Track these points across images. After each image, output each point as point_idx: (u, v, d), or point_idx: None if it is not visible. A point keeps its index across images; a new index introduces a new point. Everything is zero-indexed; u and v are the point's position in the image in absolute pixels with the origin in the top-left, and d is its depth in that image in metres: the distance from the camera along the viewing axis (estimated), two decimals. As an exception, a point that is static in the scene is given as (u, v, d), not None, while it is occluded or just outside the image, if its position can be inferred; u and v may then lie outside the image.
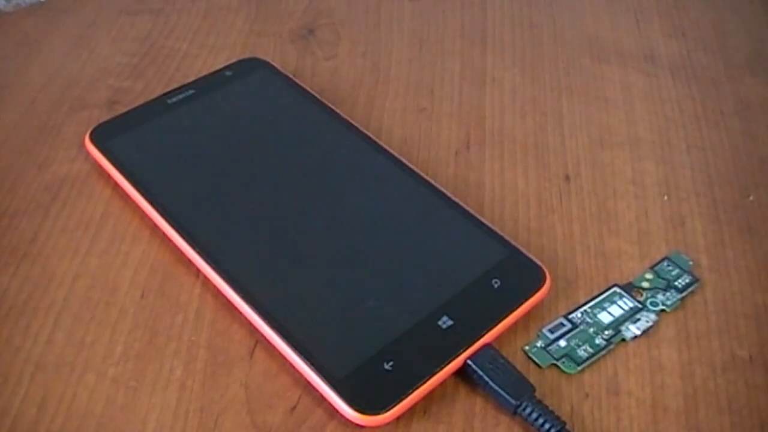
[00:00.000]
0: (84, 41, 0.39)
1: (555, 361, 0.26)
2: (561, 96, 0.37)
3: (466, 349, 0.25)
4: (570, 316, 0.28)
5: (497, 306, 0.27)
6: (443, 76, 0.38)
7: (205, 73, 0.36)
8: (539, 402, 0.25)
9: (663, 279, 0.29)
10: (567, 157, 0.34)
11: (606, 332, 0.27)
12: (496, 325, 0.26)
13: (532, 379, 0.25)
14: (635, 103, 0.37)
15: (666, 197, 0.32)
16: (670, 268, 0.29)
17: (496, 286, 0.27)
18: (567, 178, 0.33)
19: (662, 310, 0.28)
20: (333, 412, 0.25)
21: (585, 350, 0.27)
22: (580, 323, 0.27)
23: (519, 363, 0.26)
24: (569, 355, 0.27)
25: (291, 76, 0.36)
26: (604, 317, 0.28)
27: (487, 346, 0.26)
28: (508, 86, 0.37)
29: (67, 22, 0.40)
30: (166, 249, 0.30)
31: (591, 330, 0.27)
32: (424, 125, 0.35)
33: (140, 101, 0.35)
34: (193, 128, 0.33)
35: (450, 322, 0.26)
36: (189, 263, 0.29)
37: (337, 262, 0.28)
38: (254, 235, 0.29)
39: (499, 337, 0.26)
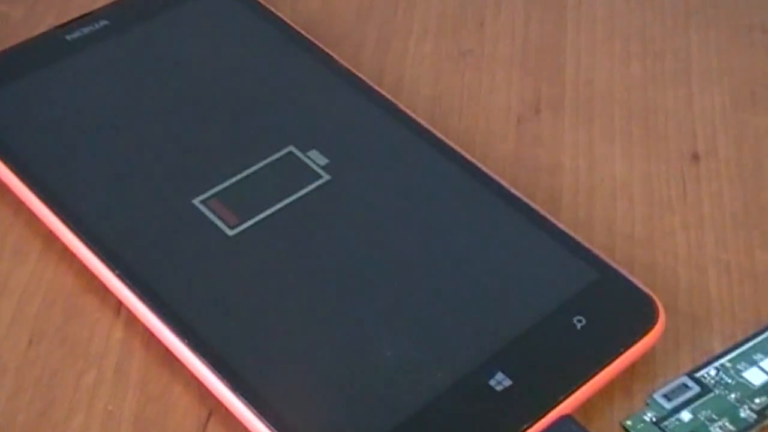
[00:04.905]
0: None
1: (674, 445, 0.27)
2: (688, 27, 0.37)
3: (534, 423, 0.25)
4: (698, 375, 0.28)
5: (581, 357, 0.27)
6: (498, 0, 0.38)
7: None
8: None
9: None
10: (696, 124, 0.34)
11: (757, 401, 0.27)
12: (579, 386, 0.26)
13: (637, 473, 0.25)
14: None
15: None
16: None
17: (579, 326, 0.27)
18: (695, 157, 0.33)
19: None
20: None
21: (723, 427, 0.26)
22: (715, 386, 0.27)
23: (617, 447, 0.26)
24: (697, 435, 0.27)
25: (263, 1, 0.36)
26: (754, 377, 0.28)
27: (565, 418, 0.26)
28: (600, 12, 0.37)
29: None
30: (68, 270, 0.30)
31: (732, 396, 0.27)
32: (467, 78, 0.35)
33: (20, 37, 0.35)
34: (106, 82, 0.33)
35: (508, 382, 0.26)
36: (105, 291, 0.29)
37: (338, 292, 0.28)
38: (204, 246, 0.29)
39: (584, 405, 0.26)
